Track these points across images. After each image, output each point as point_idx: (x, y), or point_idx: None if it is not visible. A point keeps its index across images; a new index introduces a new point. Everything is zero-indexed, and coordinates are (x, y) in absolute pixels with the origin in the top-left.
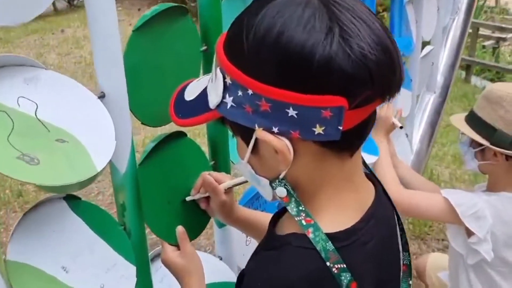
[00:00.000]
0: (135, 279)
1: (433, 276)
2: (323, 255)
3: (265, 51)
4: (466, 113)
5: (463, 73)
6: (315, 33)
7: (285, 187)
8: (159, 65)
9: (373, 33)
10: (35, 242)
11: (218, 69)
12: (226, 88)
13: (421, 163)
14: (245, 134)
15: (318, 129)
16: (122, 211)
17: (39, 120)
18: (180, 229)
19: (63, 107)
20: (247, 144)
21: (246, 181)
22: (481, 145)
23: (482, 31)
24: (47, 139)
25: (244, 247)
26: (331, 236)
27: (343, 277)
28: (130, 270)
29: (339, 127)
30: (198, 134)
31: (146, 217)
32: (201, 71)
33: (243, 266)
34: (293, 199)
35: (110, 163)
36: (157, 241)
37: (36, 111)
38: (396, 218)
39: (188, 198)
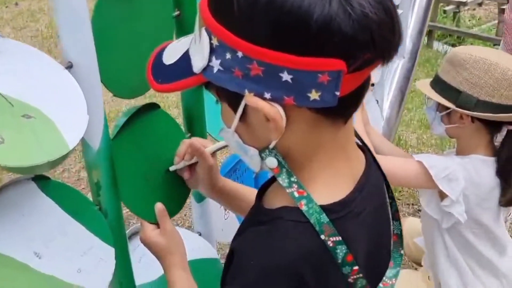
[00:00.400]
0: (114, 262)
1: (409, 242)
2: (317, 228)
3: (258, 9)
4: (431, 78)
5: (425, 39)
6: None
7: (275, 157)
8: (130, 31)
9: None
10: (3, 228)
11: (203, 29)
12: (212, 50)
13: (392, 129)
14: (233, 100)
15: (314, 95)
16: (97, 190)
17: (0, 94)
18: (159, 206)
19: (27, 80)
20: (235, 111)
21: (227, 145)
22: (447, 108)
23: None
24: (11, 115)
25: (222, 221)
26: (325, 208)
27: (338, 250)
28: (108, 252)
29: (336, 93)
30: (169, 107)
31: (123, 196)
32: (174, 39)
33: (221, 240)
34: (284, 169)
35: (82, 139)
36: (128, 217)
37: None
38: (385, 186)
39: (171, 168)
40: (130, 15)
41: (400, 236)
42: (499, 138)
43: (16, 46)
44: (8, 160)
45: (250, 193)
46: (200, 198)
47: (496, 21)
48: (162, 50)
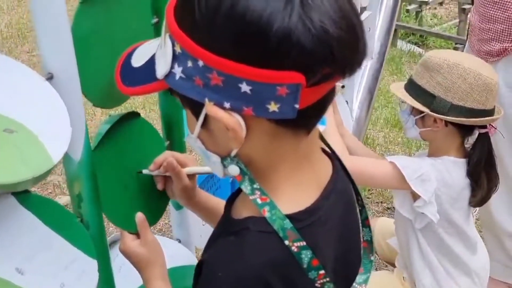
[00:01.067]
0: (97, 274)
1: (382, 242)
2: (281, 234)
3: (219, 20)
4: (405, 82)
5: None
6: (273, 2)
7: (237, 165)
8: (109, 40)
9: (337, 5)
10: None
11: (167, 36)
12: (175, 57)
13: (361, 129)
14: (195, 107)
15: (273, 107)
16: (78, 202)
17: None
18: (139, 216)
19: (7, 93)
20: (197, 118)
21: (211, 172)
22: (421, 112)
23: None
24: None
25: (200, 227)
26: (290, 217)
27: (303, 255)
28: (91, 265)
29: (295, 105)
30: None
31: (103, 206)
32: None
33: (200, 246)
34: (246, 177)
35: None
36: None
37: None
38: (354, 193)
39: (144, 171)
40: (109, 23)
41: (370, 242)
42: (470, 140)
43: None
44: None
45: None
46: (178, 206)
47: (457, 20)
48: (132, 52)
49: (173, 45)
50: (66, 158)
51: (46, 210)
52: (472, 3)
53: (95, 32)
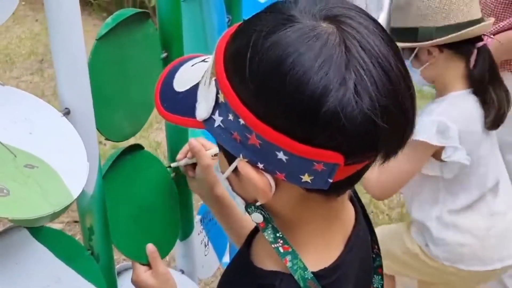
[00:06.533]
0: None
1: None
2: (301, 284)
3: (268, 86)
4: None
5: None
6: (327, 82)
7: (261, 213)
8: (122, 75)
9: (391, 87)
10: None
11: (214, 80)
12: (217, 104)
13: None
14: (228, 155)
15: (306, 178)
16: (89, 234)
17: (2, 144)
18: (150, 247)
19: (25, 128)
20: (229, 164)
21: None
22: (412, 51)
23: None
24: (15, 165)
25: (202, 258)
26: (315, 275)
27: None
28: None
29: (329, 180)
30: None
31: (114, 239)
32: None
33: (202, 277)
34: (270, 225)
35: None
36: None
37: None
38: (371, 240)
39: (173, 164)
40: (122, 58)
41: None
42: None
43: (14, 93)
44: (14, 212)
45: (244, 218)
46: (183, 236)
47: None
48: (177, 66)
49: (217, 92)
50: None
51: (58, 242)
52: None
53: (109, 67)
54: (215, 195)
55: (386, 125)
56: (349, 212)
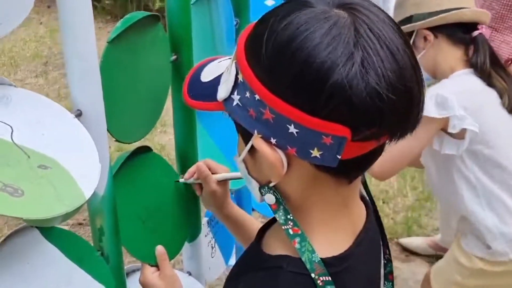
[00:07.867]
0: None
1: None
2: (308, 266)
3: (281, 62)
4: None
5: None
6: (335, 56)
7: (274, 194)
8: (132, 78)
9: (397, 67)
10: (9, 277)
11: (234, 63)
12: (236, 84)
13: None
14: (245, 134)
15: (315, 152)
16: (99, 236)
17: (16, 145)
18: (159, 249)
19: (40, 129)
20: (246, 144)
21: (240, 177)
22: (410, 38)
23: None
24: (29, 166)
25: (209, 259)
26: (324, 261)
27: None
28: None
29: (337, 156)
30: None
31: (123, 240)
32: (171, 84)
33: (209, 279)
34: (281, 207)
35: None
36: None
37: (12, 135)
38: (382, 244)
39: (180, 180)
40: (132, 61)
41: None
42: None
43: (27, 95)
44: (29, 212)
45: (256, 226)
46: (190, 238)
47: None
48: (205, 64)
49: (237, 73)
50: None
51: (69, 243)
52: None
53: (120, 70)
54: (224, 214)
55: (391, 101)
56: (360, 209)
